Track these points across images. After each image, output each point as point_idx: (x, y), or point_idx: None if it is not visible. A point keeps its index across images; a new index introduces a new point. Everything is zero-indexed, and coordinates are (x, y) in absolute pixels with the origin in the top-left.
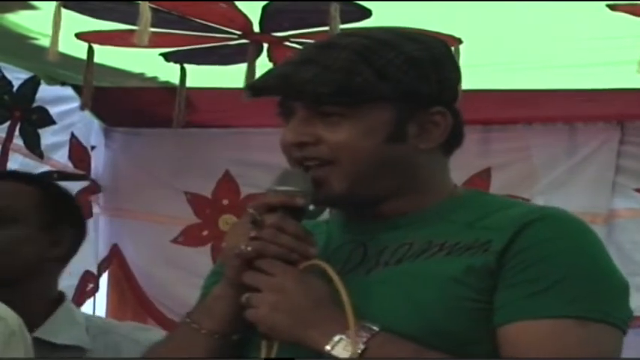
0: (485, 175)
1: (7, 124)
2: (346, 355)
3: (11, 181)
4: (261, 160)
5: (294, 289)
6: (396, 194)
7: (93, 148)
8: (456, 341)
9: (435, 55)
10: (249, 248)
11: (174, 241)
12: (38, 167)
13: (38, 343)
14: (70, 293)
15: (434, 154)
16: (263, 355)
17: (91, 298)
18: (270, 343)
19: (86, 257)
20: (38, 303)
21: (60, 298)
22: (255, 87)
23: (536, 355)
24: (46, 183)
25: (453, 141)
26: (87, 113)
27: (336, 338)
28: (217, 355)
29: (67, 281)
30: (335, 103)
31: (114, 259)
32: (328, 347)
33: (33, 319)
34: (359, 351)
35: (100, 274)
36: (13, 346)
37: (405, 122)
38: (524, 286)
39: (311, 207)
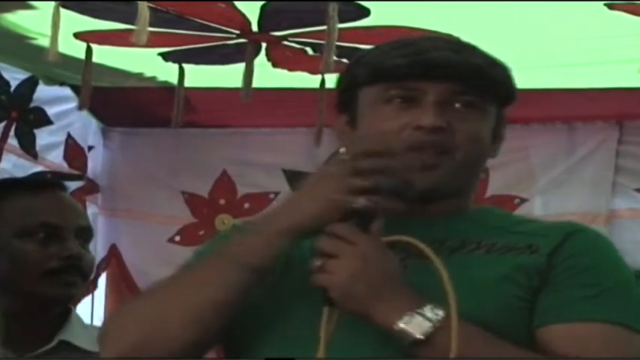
0: (483, 174)
1: (3, 124)
2: (416, 333)
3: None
4: (259, 160)
5: (376, 260)
6: (464, 192)
7: (91, 148)
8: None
9: (503, 62)
10: (362, 201)
11: (171, 240)
12: (32, 168)
13: (67, 346)
14: None
15: None
16: (323, 321)
17: (87, 298)
18: (332, 310)
19: None
20: (56, 313)
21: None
22: (432, 63)
23: (588, 356)
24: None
25: None
26: (85, 113)
27: (407, 316)
28: (246, 292)
29: None
30: (475, 93)
31: (112, 260)
32: (401, 324)
33: (53, 326)
34: (430, 330)
35: (98, 275)
36: None
37: (499, 126)
38: (575, 290)
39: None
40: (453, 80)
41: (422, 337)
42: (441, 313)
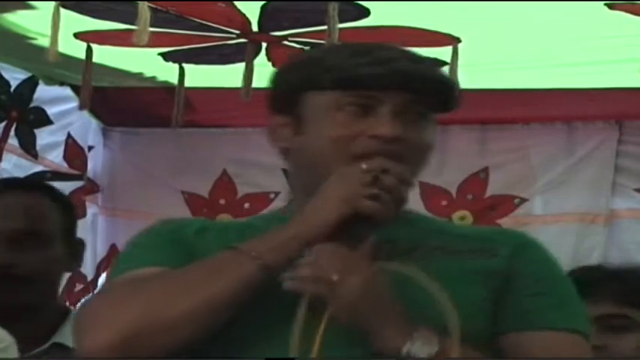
0: (483, 174)
1: (3, 124)
2: (424, 354)
3: (38, 194)
4: (259, 160)
5: (377, 283)
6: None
7: (91, 148)
8: (476, 341)
9: None
10: (369, 204)
11: None
12: (32, 167)
13: (60, 349)
14: None
15: None
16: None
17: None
18: (321, 317)
19: None
20: (52, 315)
21: (67, 307)
22: (386, 76)
23: None
24: (60, 195)
25: None
26: (85, 113)
27: (411, 340)
28: (254, 289)
29: None
30: (430, 104)
31: (112, 259)
32: (406, 348)
33: (51, 328)
34: (434, 352)
35: (98, 274)
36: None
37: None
38: (541, 298)
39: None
40: (410, 90)
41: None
42: (435, 336)
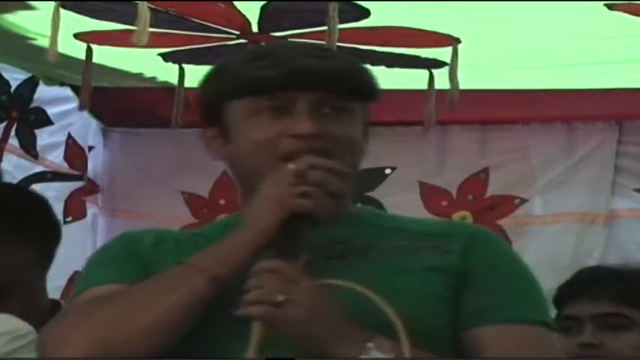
0: (483, 175)
1: (4, 124)
2: None
3: None
4: None
5: (322, 299)
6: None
7: (91, 148)
8: (428, 338)
9: None
10: (300, 202)
11: None
12: (32, 168)
13: None
14: (55, 294)
15: None
16: (254, 342)
17: None
18: (264, 343)
19: (76, 258)
20: (28, 314)
21: (55, 305)
22: (268, 79)
23: (521, 356)
24: (9, 186)
25: None
26: (85, 113)
27: (366, 351)
28: (207, 301)
29: (54, 282)
30: (346, 98)
31: None
32: (363, 357)
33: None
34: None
35: None
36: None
37: (367, 124)
38: (500, 291)
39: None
40: (321, 87)
41: None
42: (389, 343)
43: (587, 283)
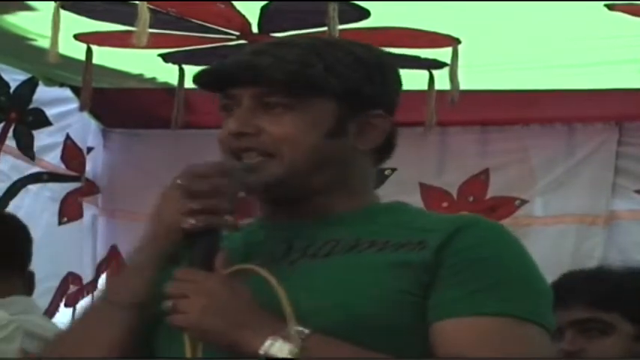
0: (483, 176)
1: (1, 125)
2: (282, 355)
3: None
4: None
5: (221, 291)
6: (327, 191)
7: (91, 149)
8: (388, 334)
9: (381, 60)
10: (192, 221)
11: None
12: (29, 169)
13: None
14: (47, 296)
15: (367, 158)
16: (188, 354)
17: (87, 299)
18: (195, 344)
19: (70, 259)
20: None
21: None
22: (207, 74)
23: (476, 351)
24: None
25: (386, 149)
26: (85, 114)
27: (270, 339)
28: (132, 328)
29: (46, 283)
30: (283, 92)
31: (113, 261)
32: (263, 349)
33: None
34: (296, 349)
35: (98, 276)
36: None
37: (347, 119)
38: (462, 285)
39: (241, 194)
40: (259, 83)
41: (289, 357)
42: (306, 331)
43: (562, 290)
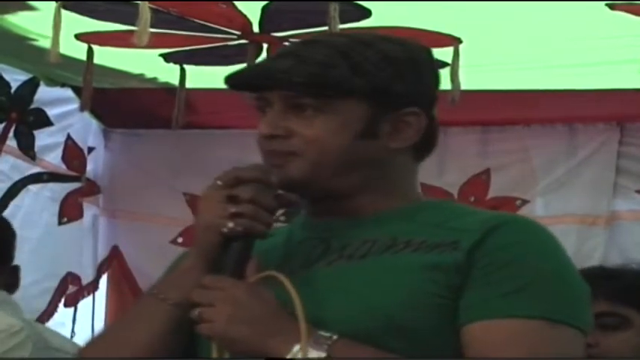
0: (484, 176)
1: (2, 125)
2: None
3: None
4: (260, 162)
5: (248, 300)
6: (362, 191)
7: (92, 149)
8: (416, 337)
9: (414, 57)
10: (231, 225)
11: (174, 242)
12: (29, 169)
13: None
14: (46, 295)
15: (404, 156)
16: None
17: (88, 299)
18: (222, 352)
19: (70, 259)
20: None
21: None
22: (234, 78)
23: (506, 354)
24: None
25: (425, 146)
26: (85, 114)
27: (297, 346)
28: (176, 326)
29: (45, 283)
30: (309, 94)
31: (114, 261)
32: (291, 355)
33: None
34: (324, 354)
35: (99, 276)
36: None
37: (378, 119)
38: (494, 287)
39: (279, 191)
40: (288, 86)
41: None
42: (325, 340)
43: None
